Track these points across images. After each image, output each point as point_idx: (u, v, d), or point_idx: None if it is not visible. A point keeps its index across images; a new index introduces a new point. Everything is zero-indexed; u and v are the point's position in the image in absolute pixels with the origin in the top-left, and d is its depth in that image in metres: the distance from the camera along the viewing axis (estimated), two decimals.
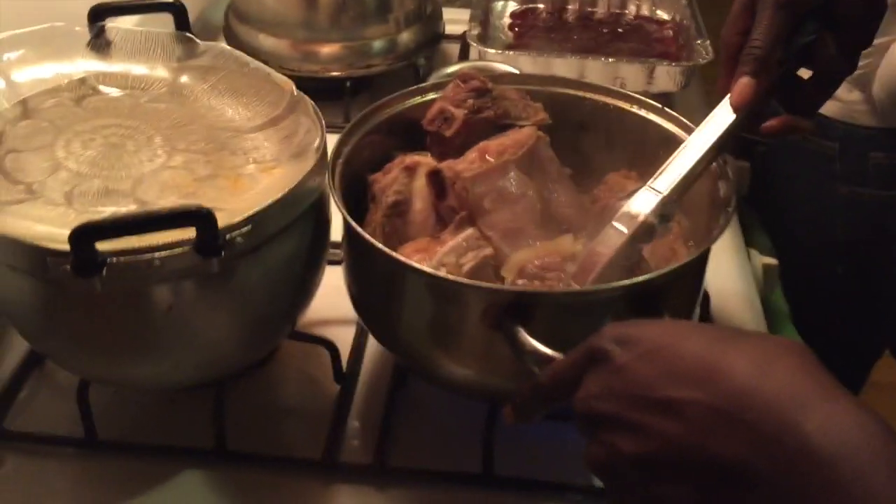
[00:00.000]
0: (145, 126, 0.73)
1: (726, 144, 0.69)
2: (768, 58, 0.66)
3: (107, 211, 0.64)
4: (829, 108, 1.22)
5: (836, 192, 1.26)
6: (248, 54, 1.14)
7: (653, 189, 0.67)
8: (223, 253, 0.60)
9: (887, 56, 1.14)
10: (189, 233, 0.59)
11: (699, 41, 1.14)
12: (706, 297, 0.86)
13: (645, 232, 0.66)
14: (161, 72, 0.79)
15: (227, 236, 0.61)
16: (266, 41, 1.17)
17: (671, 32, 1.24)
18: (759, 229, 1.21)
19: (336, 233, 0.75)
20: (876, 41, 1.16)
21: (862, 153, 1.22)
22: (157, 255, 0.59)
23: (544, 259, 0.67)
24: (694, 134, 0.69)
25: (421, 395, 0.80)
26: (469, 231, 0.71)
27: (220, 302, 0.66)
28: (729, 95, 0.68)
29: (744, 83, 0.66)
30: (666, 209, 0.67)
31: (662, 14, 1.28)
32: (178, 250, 0.59)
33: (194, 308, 0.65)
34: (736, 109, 0.67)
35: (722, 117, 0.68)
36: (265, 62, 1.13)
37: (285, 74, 1.12)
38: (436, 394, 0.78)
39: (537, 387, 0.54)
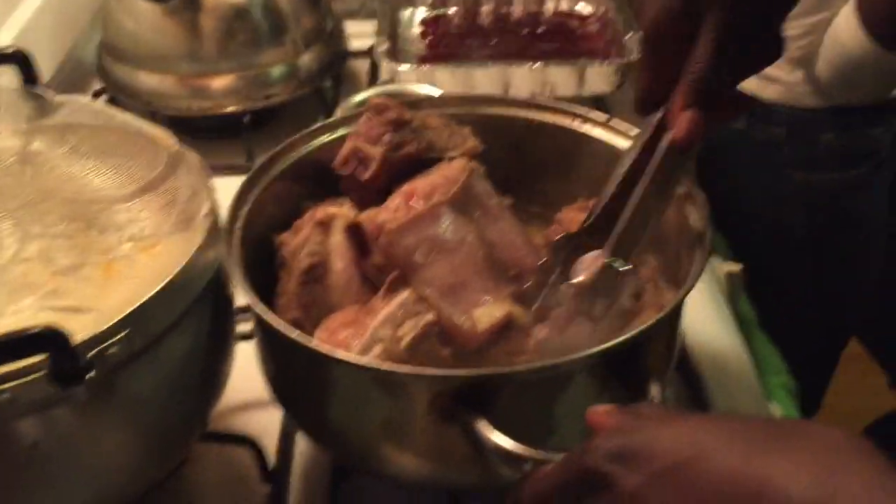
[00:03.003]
0: None
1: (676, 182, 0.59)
2: (718, 84, 0.54)
3: None
4: (771, 92, 1.14)
5: (788, 179, 1.18)
6: (128, 96, 1.03)
7: (616, 262, 0.57)
8: (90, 374, 0.46)
9: (829, 32, 1.06)
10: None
11: (629, 35, 1.04)
12: None
13: (618, 316, 0.56)
14: (7, 138, 0.65)
15: (95, 350, 0.48)
16: (147, 79, 1.02)
17: (596, 27, 1.14)
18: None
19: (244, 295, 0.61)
20: (815, 18, 1.10)
21: (811, 136, 1.15)
22: (3, 387, 0.46)
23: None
24: (642, 183, 0.57)
25: (369, 486, 0.68)
26: (404, 295, 0.59)
27: (103, 426, 0.53)
28: (672, 132, 0.55)
29: (690, 117, 0.54)
30: (637, 284, 0.57)
31: (584, 8, 1.18)
32: (29, 379, 0.46)
33: (69, 440, 0.52)
34: (684, 148, 0.55)
35: (670, 157, 0.56)
36: (148, 103, 1.02)
37: (173, 116, 1.02)
38: (387, 484, 0.65)
39: None
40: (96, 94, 1.08)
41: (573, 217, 0.65)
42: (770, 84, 1.13)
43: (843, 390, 1.47)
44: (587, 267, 0.58)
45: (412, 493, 0.66)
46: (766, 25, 0.55)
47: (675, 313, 0.59)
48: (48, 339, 0.43)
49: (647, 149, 0.58)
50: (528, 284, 0.61)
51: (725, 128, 1.16)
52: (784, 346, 0.97)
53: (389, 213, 0.63)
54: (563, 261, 0.60)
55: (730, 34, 0.52)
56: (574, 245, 0.60)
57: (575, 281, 0.59)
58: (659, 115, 0.58)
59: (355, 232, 0.63)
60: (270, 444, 0.70)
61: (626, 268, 0.57)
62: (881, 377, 1.54)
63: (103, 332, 0.49)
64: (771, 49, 0.55)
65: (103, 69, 1.06)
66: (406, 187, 0.64)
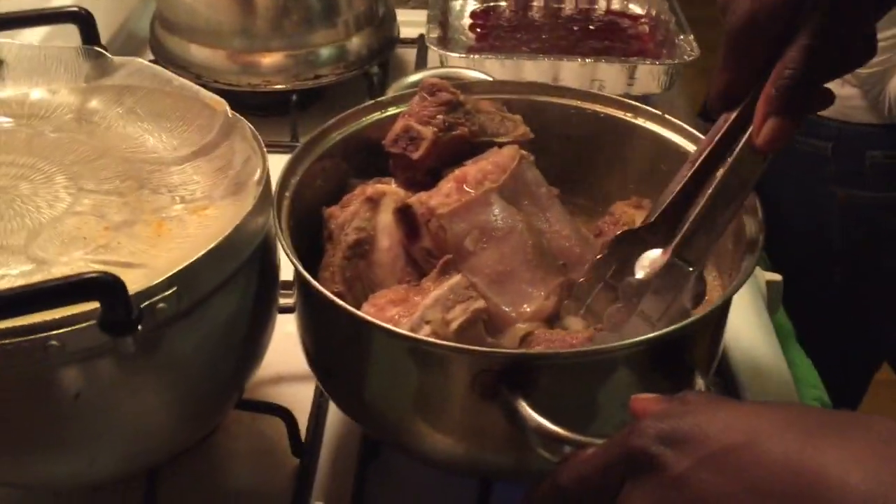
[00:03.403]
0: (44, 163, 0.60)
1: (751, 186, 0.57)
2: (806, 90, 0.52)
3: None
4: None
5: (831, 195, 1.16)
6: (179, 68, 1.03)
7: (680, 262, 0.55)
8: (139, 327, 0.46)
9: None
10: (94, 303, 0.46)
11: (681, 37, 1.04)
12: None
13: (677, 317, 0.55)
14: (65, 95, 0.66)
15: (145, 304, 0.48)
16: (199, 53, 1.03)
17: (647, 28, 1.13)
18: None
19: (286, 270, 0.62)
20: (890, 32, 1.07)
21: (858, 152, 1.13)
22: (52, 333, 0.46)
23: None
24: (715, 184, 0.56)
25: (398, 467, 0.67)
26: (456, 279, 0.58)
27: (144, 382, 0.53)
28: (751, 134, 0.54)
29: (776, 125, 0.52)
30: (699, 286, 0.55)
31: (636, 8, 1.17)
32: (79, 326, 0.46)
33: (110, 393, 0.52)
34: (765, 153, 0.54)
35: (747, 160, 0.55)
36: (198, 77, 1.02)
37: (222, 90, 1.02)
38: (416, 466, 0.65)
39: (559, 490, 0.41)
40: None
41: (626, 212, 0.65)
42: None
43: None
44: (649, 265, 0.57)
45: (441, 476, 0.66)
46: (864, 27, 0.52)
47: (724, 309, 0.58)
48: (105, 286, 0.43)
49: (718, 148, 0.56)
50: (582, 280, 0.60)
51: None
52: (815, 364, 0.96)
53: (441, 197, 0.62)
54: (620, 257, 0.59)
55: (827, 39, 0.50)
56: (634, 242, 0.58)
57: (636, 278, 0.57)
58: (734, 114, 0.55)
59: (405, 214, 0.63)
60: (301, 421, 0.70)
61: (690, 269, 0.55)
62: None
63: (153, 287, 0.49)
64: (864, 50, 0.53)
65: (155, 40, 1.07)
66: (458, 172, 0.64)
